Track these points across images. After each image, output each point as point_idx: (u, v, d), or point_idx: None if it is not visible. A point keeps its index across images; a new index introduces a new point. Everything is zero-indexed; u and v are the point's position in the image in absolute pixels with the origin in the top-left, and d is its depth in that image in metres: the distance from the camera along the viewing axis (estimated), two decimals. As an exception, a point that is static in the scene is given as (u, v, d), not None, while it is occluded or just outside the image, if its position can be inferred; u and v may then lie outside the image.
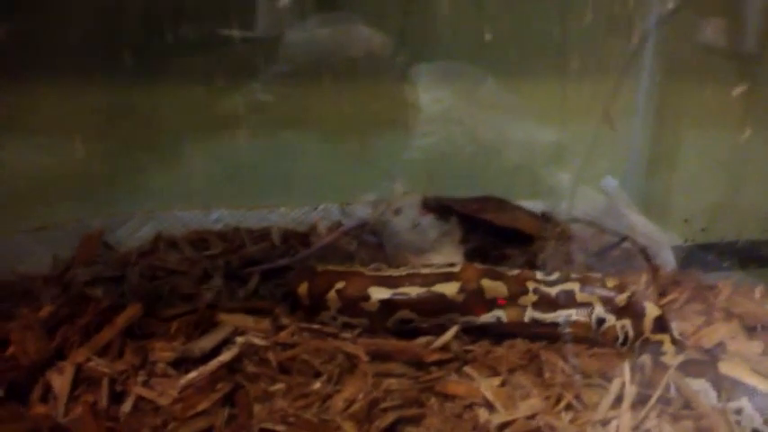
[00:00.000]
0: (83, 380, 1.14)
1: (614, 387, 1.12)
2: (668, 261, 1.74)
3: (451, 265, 1.40)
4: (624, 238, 1.70)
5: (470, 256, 1.55)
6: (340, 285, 1.33)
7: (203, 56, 1.66)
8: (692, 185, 1.92)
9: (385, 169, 1.83)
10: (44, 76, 1.58)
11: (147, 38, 1.63)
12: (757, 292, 1.57)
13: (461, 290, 1.33)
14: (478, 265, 1.39)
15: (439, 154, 1.81)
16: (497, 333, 1.34)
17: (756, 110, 1.91)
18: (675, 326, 1.32)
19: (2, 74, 1.51)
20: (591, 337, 1.36)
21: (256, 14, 1.68)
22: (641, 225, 1.78)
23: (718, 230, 1.84)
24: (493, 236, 1.69)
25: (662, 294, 1.52)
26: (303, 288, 1.35)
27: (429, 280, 1.34)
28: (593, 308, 1.36)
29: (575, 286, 1.38)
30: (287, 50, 1.70)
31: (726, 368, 1.16)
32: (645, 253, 1.66)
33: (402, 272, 1.37)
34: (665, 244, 1.76)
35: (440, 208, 1.63)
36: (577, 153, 1.89)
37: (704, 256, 1.81)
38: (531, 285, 1.37)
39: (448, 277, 1.34)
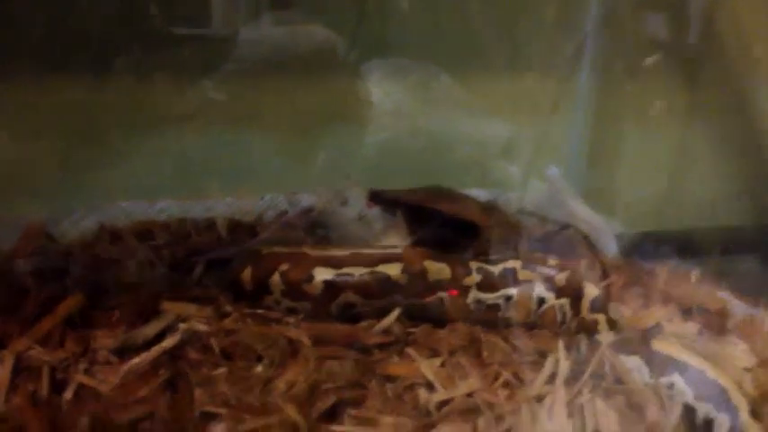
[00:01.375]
0: (23, 369, 1.13)
1: (549, 364, 1.14)
2: (610, 248, 1.78)
3: (394, 246, 1.41)
4: (567, 226, 1.73)
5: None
6: (284, 267, 1.33)
7: (154, 52, 1.65)
8: (633, 176, 1.95)
9: (335, 163, 1.84)
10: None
11: (94, 33, 1.61)
12: (693, 277, 1.62)
13: (405, 270, 1.34)
14: (421, 248, 1.41)
15: (390, 148, 1.83)
16: (440, 316, 1.36)
17: (694, 105, 1.97)
18: (614, 307, 1.35)
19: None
20: (531, 320, 1.38)
21: (210, 11, 1.67)
22: (584, 213, 1.81)
23: (658, 220, 1.88)
24: (440, 226, 1.70)
25: (603, 278, 1.56)
26: (246, 273, 1.35)
27: (373, 260, 1.34)
28: (534, 286, 1.39)
29: (516, 264, 1.41)
30: (240, 48, 1.70)
31: (659, 345, 1.20)
32: (587, 239, 1.69)
33: (346, 251, 1.37)
34: (607, 231, 1.79)
35: (386, 200, 1.64)
36: (523, 145, 1.92)
37: (645, 243, 1.85)
38: (474, 266, 1.39)
39: (391, 258, 1.35)
